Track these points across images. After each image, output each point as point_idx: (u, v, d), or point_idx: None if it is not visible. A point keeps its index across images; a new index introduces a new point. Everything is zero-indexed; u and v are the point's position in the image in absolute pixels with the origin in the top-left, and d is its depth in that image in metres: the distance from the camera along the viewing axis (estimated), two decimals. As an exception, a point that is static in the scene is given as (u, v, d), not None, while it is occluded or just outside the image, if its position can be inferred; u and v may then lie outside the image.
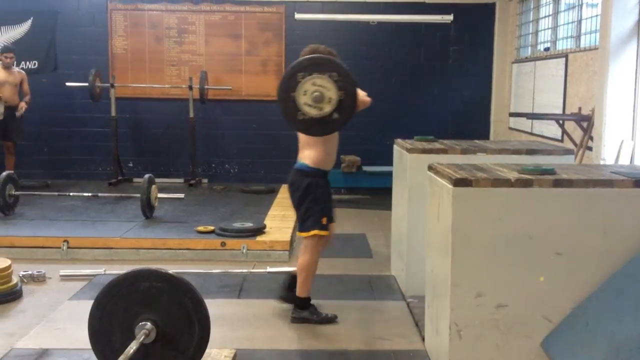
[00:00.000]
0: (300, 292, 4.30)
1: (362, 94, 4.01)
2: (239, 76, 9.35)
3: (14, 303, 4.69)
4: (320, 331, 4.21)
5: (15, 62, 8.55)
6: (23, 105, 8.44)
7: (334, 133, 4.05)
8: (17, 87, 8.46)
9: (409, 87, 9.34)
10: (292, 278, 4.56)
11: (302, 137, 4.23)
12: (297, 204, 4.27)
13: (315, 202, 4.19)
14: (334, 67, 3.79)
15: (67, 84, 8.88)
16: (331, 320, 4.29)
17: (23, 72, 8.66)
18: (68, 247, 5.90)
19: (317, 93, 3.72)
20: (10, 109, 8.33)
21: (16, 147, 8.61)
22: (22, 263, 5.42)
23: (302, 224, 4.26)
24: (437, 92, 9.38)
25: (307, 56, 3.88)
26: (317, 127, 3.84)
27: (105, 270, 5.28)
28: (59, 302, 4.68)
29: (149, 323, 3.03)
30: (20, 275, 5.09)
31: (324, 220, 4.20)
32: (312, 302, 4.36)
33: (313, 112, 3.75)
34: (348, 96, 3.76)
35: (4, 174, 6.92)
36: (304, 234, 4.24)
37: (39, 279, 5.17)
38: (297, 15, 9.18)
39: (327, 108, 3.74)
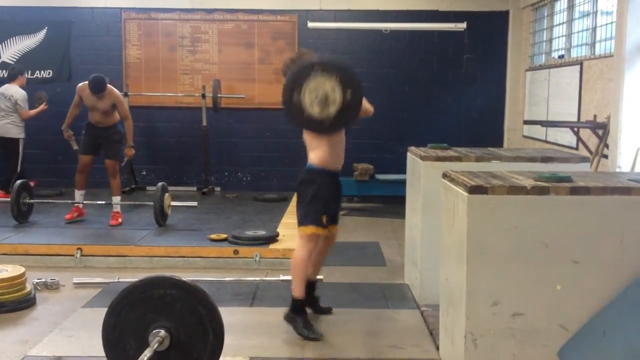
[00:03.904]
0: (294, 290, 4.23)
1: (367, 105, 4.10)
2: (252, 84, 9.37)
3: (28, 310, 4.69)
4: (334, 340, 4.18)
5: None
6: (130, 153, 7.19)
7: (359, 112, 3.96)
8: (108, 112, 6.99)
9: (422, 95, 9.32)
10: (310, 284, 4.54)
11: (307, 140, 4.23)
12: (300, 199, 4.24)
13: (317, 199, 4.15)
14: (309, 67, 3.76)
15: (82, 92, 8.93)
16: (314, 339, 4.13)
17: (115, 91, 7.06)
18: (81, 255, 5.91)
19: (321, 94, 3.70)
20: (100, 129, 7.05)
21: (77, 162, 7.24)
22: (35, 271, 5.44)
23: (302, 218, 4.21)
24: (450, 100, 9.35)
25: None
26: (347, 115, 3.80)
27: (118, 278, 5.28)
28: (73, 310, 4.68)
29: (162, 330, 3.02)
30: (34, 282, 5.10)
31: (324, 219, 4.15)
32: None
33: (331, 109, 3.74)
34: (342, 73, 3.72)
35: (18, 182, 6.96)
36: (301, 228, 4.19)
37: (52, 287, 5.18)
38: (310, 24, 9.19)
39: (337, 96, 3.73)
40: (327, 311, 4.61)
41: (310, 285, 4.49)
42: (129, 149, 7.19)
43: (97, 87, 6.78)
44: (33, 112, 8.57)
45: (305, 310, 4.28)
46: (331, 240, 4.47)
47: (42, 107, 8.69)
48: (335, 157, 4.24)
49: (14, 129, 8.43)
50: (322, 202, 4.18)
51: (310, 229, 4.15)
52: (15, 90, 8.45)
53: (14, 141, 8.45)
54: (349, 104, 3.77)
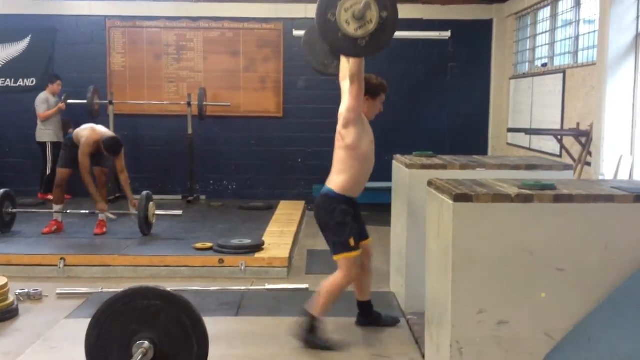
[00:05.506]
0: (316, 309, 4.16)
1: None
2: (237, 93, 9.36)
3: (10, 322, 4.64)
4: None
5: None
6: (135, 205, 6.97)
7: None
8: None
9: (407, 103, 9.34)
10: (360, 304, 4.57)
11: (338, 157, 4.17)
12: (323, 227, 4.26)
13: (341, 225, 4.15)
14: None
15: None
16: (338, 347, 4.14)
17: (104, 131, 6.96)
18: (65, 265, 5.86)
19: (358, 11, 3.56)
20: None
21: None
22: (18, 281, 5.38)
23: (332, 248, 4.23)
24: (435, 108, 9.39)
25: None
26: (383, 36, 3.69)
27: (102, 288, 5.25)
28: (56, 321, 4.64)
29: (146, 342, 3.00)
30: (17, 293, 5.04)
31: (352, 242, 4.15)
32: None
33: (369, 27, 3.62)
34: None
35: (1, 191, 6.88)
36: (336, 257, 4.20)
37: (35, 297, 5.12)
38: (295, 32, 9.16)
39: (374, 15, 3.62)
40: (395, 322, 4.61)
41: (367, 305, 4.55)
42: (132, 206, 7.01)
43: (115, 152, 6.79)
44: (49, 112, 8.69)
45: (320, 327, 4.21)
46: (367, 255, 4.45)
47: (58, 106, 8.76)
48: (362, 184, 4.25)
49: (40, 133, 8.76)
50: (347, 227, 4.16)
51: (344, 256, 4.15)
52: (39, 96, 8.78)
53: (43, 145, 8.76)
54: (385, 25, 3.66)
